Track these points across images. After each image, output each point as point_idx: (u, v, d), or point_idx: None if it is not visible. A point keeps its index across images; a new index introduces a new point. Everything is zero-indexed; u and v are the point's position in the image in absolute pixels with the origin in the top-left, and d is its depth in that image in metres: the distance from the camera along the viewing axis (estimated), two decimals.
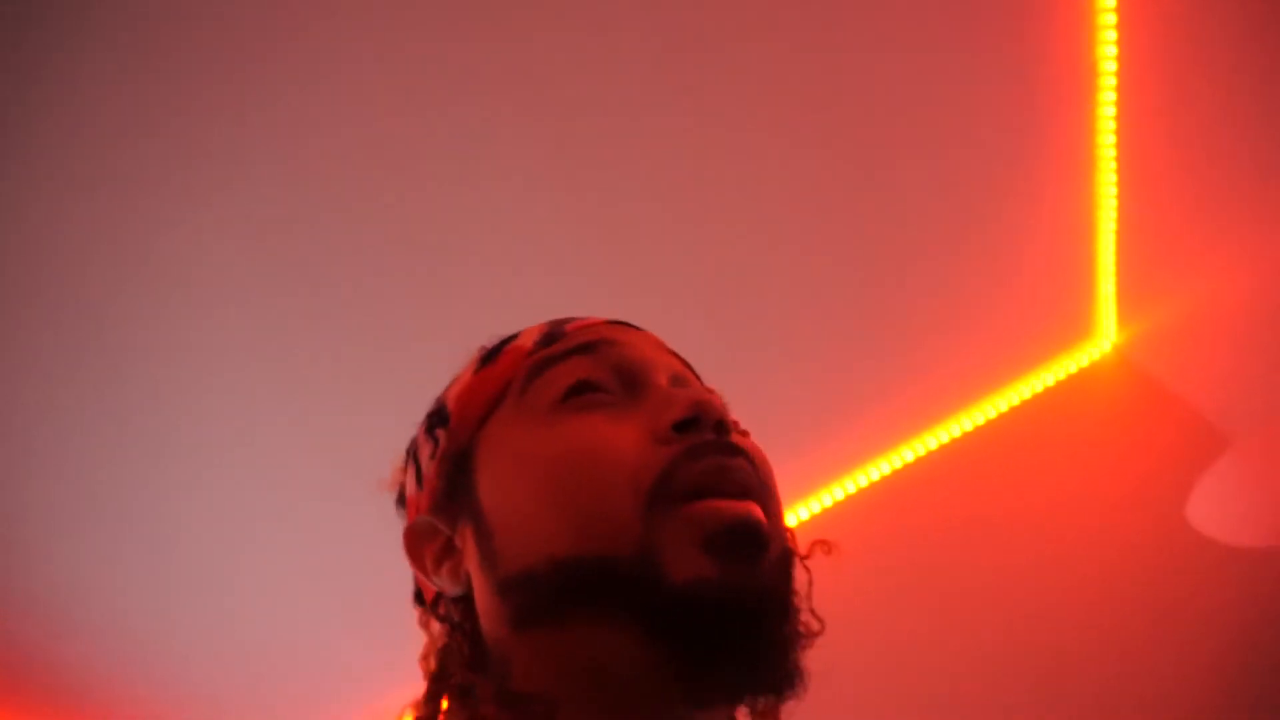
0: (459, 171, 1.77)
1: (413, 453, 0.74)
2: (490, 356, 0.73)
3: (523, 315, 1.86)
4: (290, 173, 1.70)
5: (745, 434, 0.74)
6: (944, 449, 2.28)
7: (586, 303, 1.84)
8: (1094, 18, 1.82)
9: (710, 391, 0.71)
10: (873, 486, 2.28)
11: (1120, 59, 1.84)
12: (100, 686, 2.16)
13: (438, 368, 1.76)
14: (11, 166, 1.58)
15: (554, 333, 0.71)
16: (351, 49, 1.62)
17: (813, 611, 0.72)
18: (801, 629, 0.69)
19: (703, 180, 1.88)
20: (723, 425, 0.63)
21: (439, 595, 0.70)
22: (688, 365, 0.74)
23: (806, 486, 2.29)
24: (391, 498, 0.79)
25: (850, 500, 2.27)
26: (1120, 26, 1.81)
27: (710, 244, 1.95)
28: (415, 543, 0.70)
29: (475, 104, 1.71)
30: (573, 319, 0.74)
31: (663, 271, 1.95)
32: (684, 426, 0.62)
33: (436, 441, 0.71)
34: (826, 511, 2.27)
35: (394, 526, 1.84)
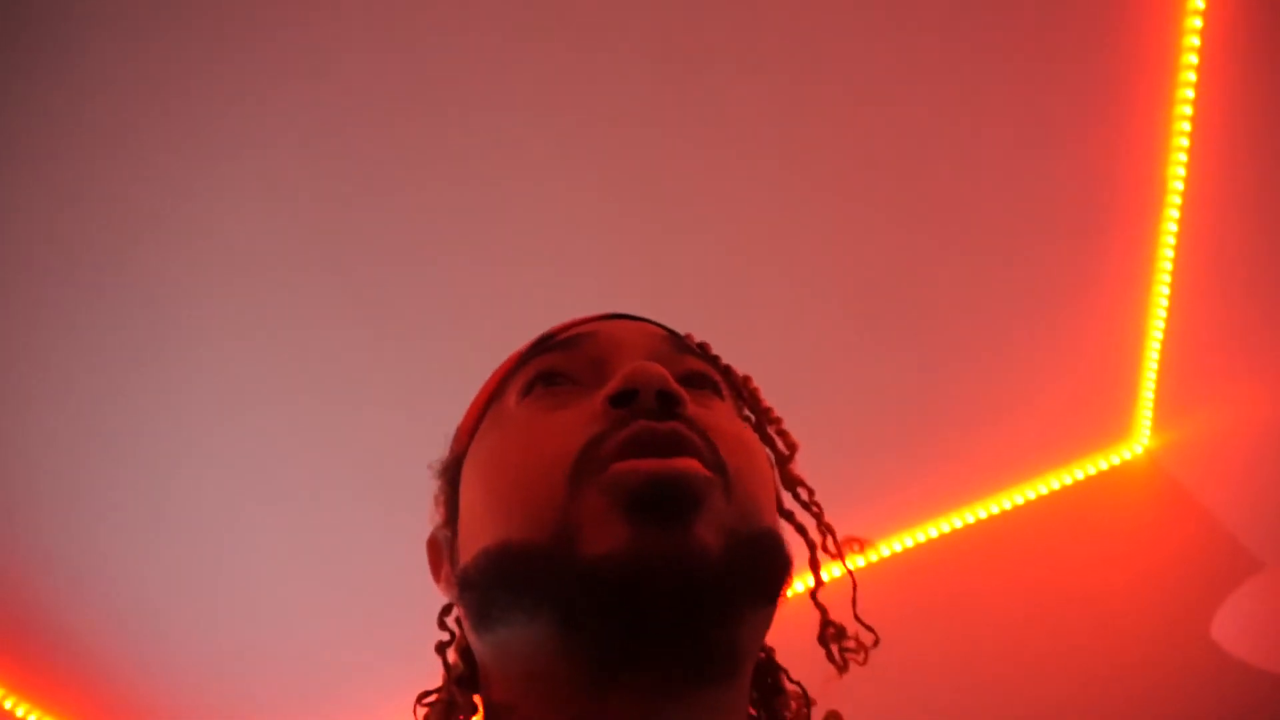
0: (476, 165, 1.76)
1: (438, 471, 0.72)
2: (497, 369, 0.70)
3: (534, 307, 1.89)
4: (306, 155, 1.70)
5: (775, 420, 0.70)
6: (967, 530, 2.31)
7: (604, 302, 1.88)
8: (1169, 110, 1.83)
9: (707, 363, 0.66)
10: (897, 557, 2.31)
11: (1189, 173, 1.87)
12: (108, 663, 2.17)
13: (448, 358, 1.81)
14: (23, 136, 1.59)
15: (544, 337, 0.67)
16: (369, 40, 1.63)
17: (860, 620, 0.68)
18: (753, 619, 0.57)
19: (740, 258, 1.91)
20: (667, 395, 0.55)
21: (449, 605, 0.68)
22: (687, 346, 0.67)
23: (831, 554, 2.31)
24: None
25: (873, 568, 2.30)
26: (1194, 125, 1.82)
27: (745, 310, 1.97)
28: (432, 556, 0.69)
29: (497, 101, 1.71)
30: (567, 321, 0.69)
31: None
32: (621, 400, 0.55)
33: (449, 453, 0.69)
34: (836, 581, 2.30)
35: (403, 512, 1.84)
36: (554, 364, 0.62)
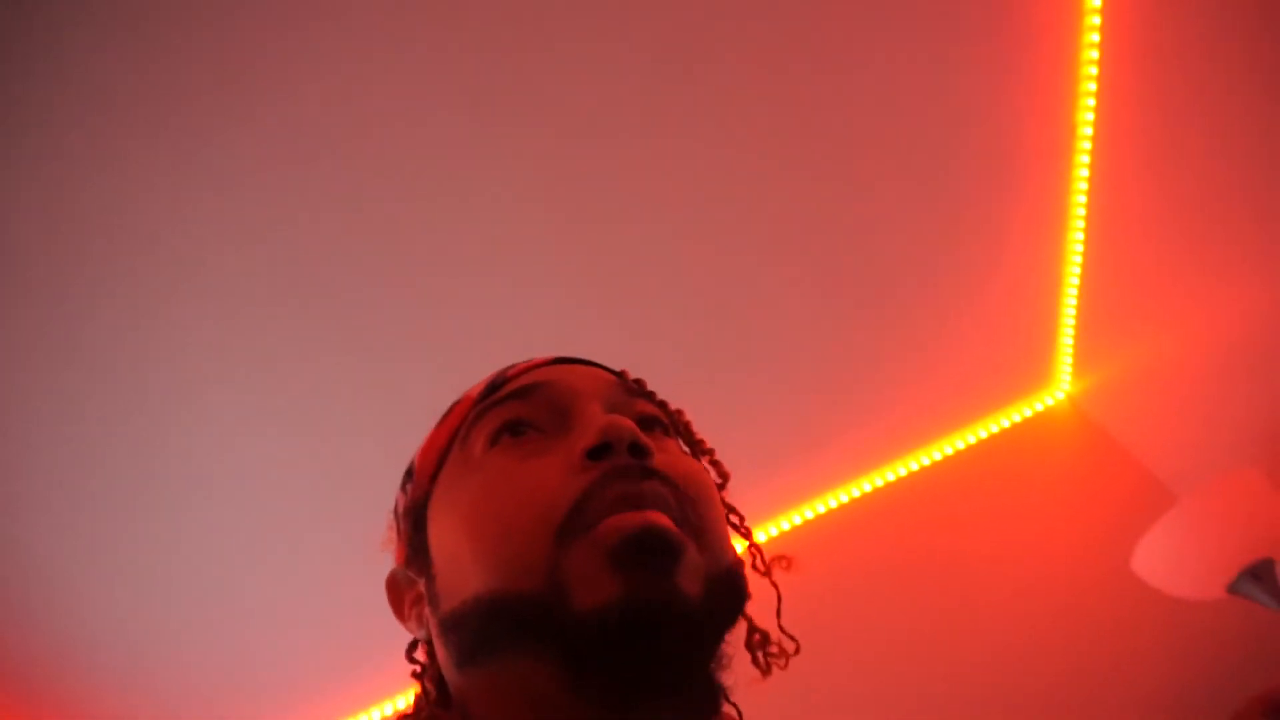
0: (460, 182, 1.77)
1: (395, 509, 0.78)
2: (447, 412, 0.75)
3: (514, 327, 1.89)
4: (291, 172, 1.69)
5: (703, 448, 0.77)
6: (891, 486, 2.33)
7: (575, 322, 1.90)
8: (1076, 64, 1.87)
9: (655, 406, 0.73)
10: (818, 519, 2.32)
11: (1098, 113, 1.90)
12: (83, 683, 2.12)
13: (431, 372, 1.79)
14: (12, 148, 1.56)
15: (497, 380, 0.73)
16: (356, 56, 1.63)
17: (783, 630, 0.75)
18: (756, 651, 0.72)
19: (684, 212, 1.91)
20: (638, 447, 0.62)
21: (415, 641, 0.73)
22: (637, 389, 0.74)
23: (754, 516, 2.32)
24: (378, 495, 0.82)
25: (795, 531, 2.31)
26: (1100, 77, 1.86)
27: (687, 272, 1.97)
28: (394, 592, 0.74)
29: (479, 117, 1.72)
30: (517, 364, 0.76)
31: (639, 297, 1.98)
32: (597, 453, 0.62)
33: (405, 495, 0.74)
34: (776, 538, 2.31)
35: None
36: (518, 413, 0.67)
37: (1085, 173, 1.99)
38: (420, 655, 0.72)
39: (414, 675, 0.72)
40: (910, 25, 1.78)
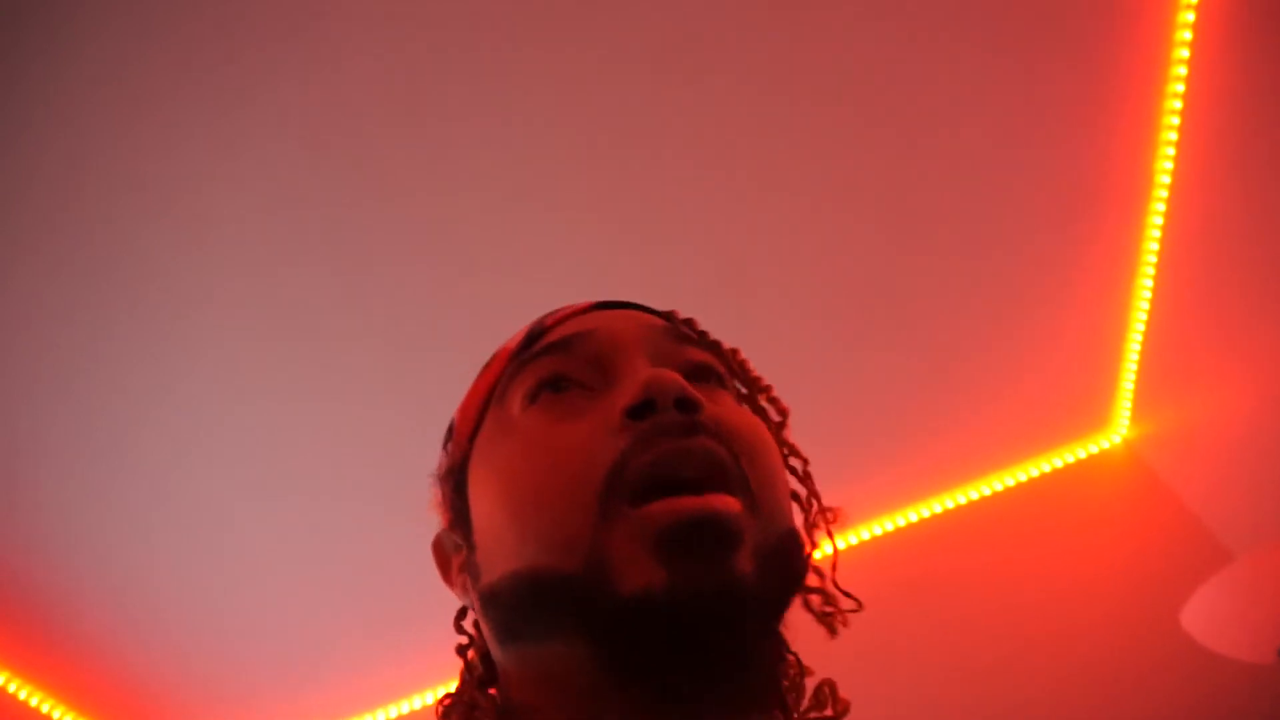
0: (473, 161, 1.77)
1: (438, 470, 0.71)
2: (488, 364, 0.69)
3: (528, 296, 1.90)
4: (308, 152, 1.71)
5: (765, 389, 0.70)
6: (944, 516, 2.34)
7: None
8: (1159, 110, 1.85)
9: (708, 351, 0.66)
10: (863, 545, 2.35)
11: (1176, 165, 1.89)
12: (107, 644, 2.18)
13: (441, 348, 1.83)
14: (29, 127, 1.59)
15: (535, 330, 0.66)
16: (372, 44, 1.64)
17: (840, 589, 0.67)
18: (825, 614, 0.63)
19: (748, 233, 1.92)
20: (686, 401, 0.55)
21: (464, 609, 0.68)
22: (685, 333, 0.66)
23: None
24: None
25: (851, 551, 2.33)
26: (1182, 126, 1.85)
27: (732, 298, 1.98)
28: (440, 556, 0.69)
29: (493, 99, 1.71)
30: (555, 311, 0.68)
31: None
32: (638, 411, 0.55)
33: (448, 456, 0.68)
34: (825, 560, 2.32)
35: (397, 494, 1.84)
36: (556, 368, 0.61)
37: (1160, 216, 1.97)
38: (469, 625, 0.67)
39: (459, 650, 0.66)
40: (994, 58, 1.77)
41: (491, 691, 0.62)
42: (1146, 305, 2.12)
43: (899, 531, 2.33)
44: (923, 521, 2.33)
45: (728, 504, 0.52)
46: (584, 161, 1.80)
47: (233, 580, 2.13)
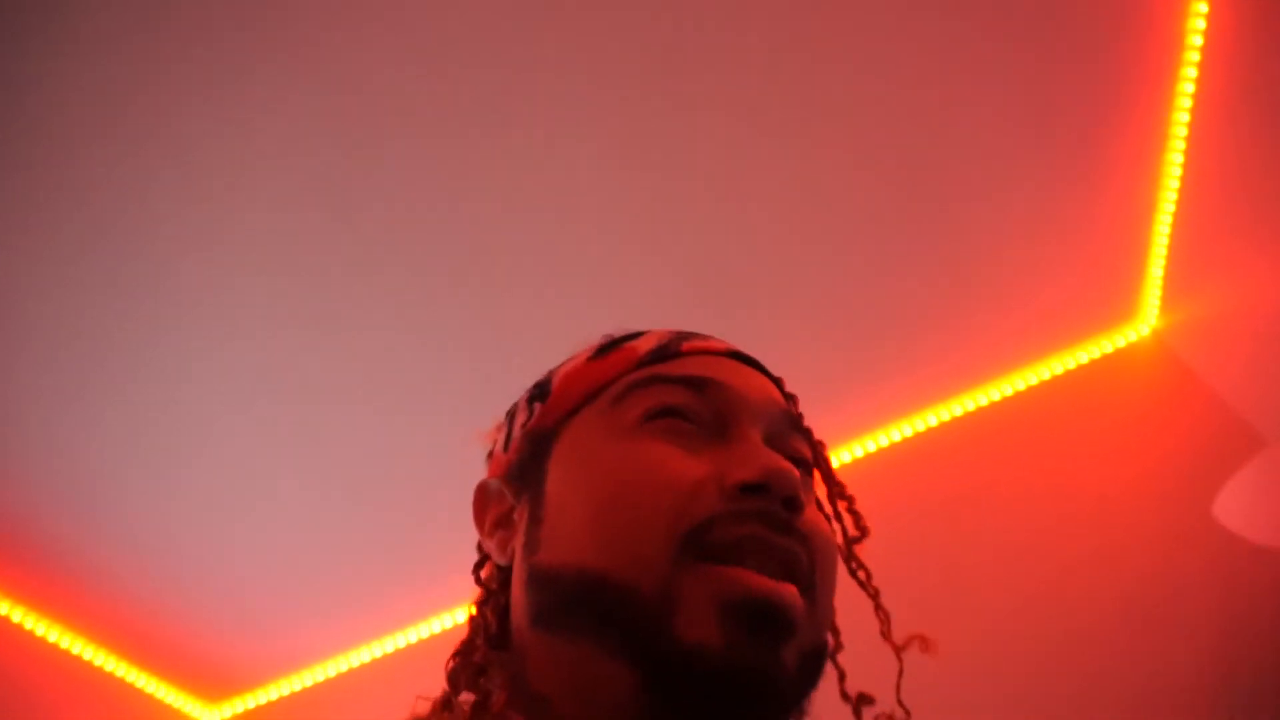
0: (482, 150, 1.78)
1: (511, 415, 0.74)
2: (606, 350, 0.71)
3: (560, 249, 1.88)
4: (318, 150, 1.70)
5: (848, 498, 0.74)
6: (966, 418, 2.29)
7: (609, 259, 1.88)
8: (1182, 5, 1.78)
9: (815, 447, 0.71)
10: (895, 447, 2.30)
11: (1205, 45, 1.80)
12: (110, 572, 2.20)
13: (464, 291, 1.79)
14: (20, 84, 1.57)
15: (670, 349, 0.70)
16: (385, 42, 1.63)
17: (901, 704, 0.70)
18: None
19: (773, 137, 1.87)
20: (793, 501, 0.60)
21: (486, 559, 0.71)
22: (796, 421, 0.71)
23: (832, 440, 2.31)
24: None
25: (867, 459, 2.29)
26: (1209, 16, 1.78)
27: (754, 192, 1.94)
28: (482, 501, 0.71)
29: (500, 96, 1.72)
30: (693, 337, 0.72)
31: (711, 203, 1.95)
32: (751, 490, 0.59)
33: (531, 413, 0.71)
34: (846, 467, 2.30)
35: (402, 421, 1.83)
36: (687, 402, 0.65)
37: (1189, 99, 1.89)
38: (489, 579, 0.70)
39: (476, 603, 0.69)
40: None
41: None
42: (1175, 189, 2.04)
43: (916, 438, 2.28)
44: (941, 426, 2.28)
45: (795, 597, 0.58)
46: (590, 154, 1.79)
47: (232, 504, 2.14)
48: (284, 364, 1.98)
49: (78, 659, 2.24)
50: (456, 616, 2.29)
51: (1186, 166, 1.99)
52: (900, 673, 0.71)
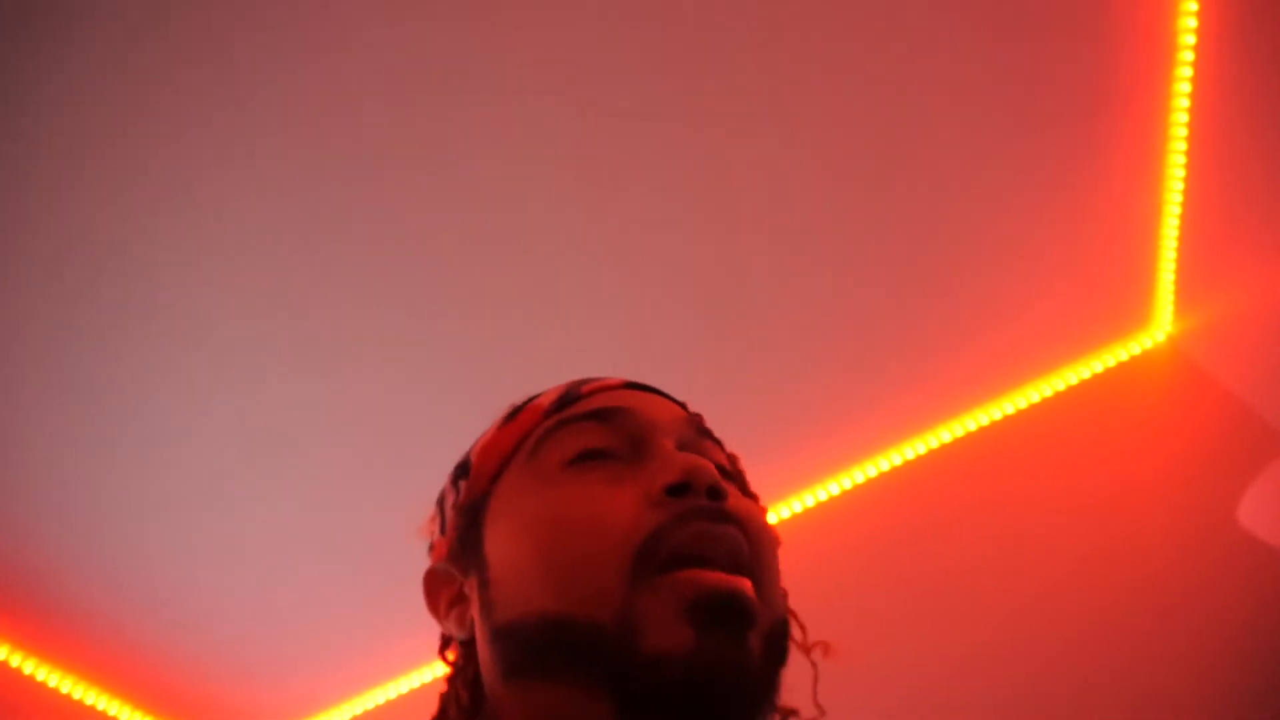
0: (474, 148, 1.76)
1: (440, 502, 0.77)
2: (513, 414, 0.75)
3: (531, 279, 1.87)
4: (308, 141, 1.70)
5: (754, 497, 0.75)
6: (982, 431, 2.26)
7: (598, 287, 1.87)
8: (1177, 2, 1.77)
9: (730, 458, 0.74)
10: (913, 463, 2.27)
11: (1199, 40, 1.79)
12: (89, 609, 2.19)
13: (438, 330, 1.79)
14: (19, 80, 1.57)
15: (571, 394, 0.73)
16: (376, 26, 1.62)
17: (815, 702, 0.72)
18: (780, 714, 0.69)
19: (760, 144, 1.86)
20: (716, 490, 0.63)
21: (449, 639, 0.73)
22: (705, 431, 0.74)
23: (852, 456, 2.29)
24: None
25: (893, 474, 2.26)
26: (1201, 12, 1.76)
27: (751, 209, 1.93)
28: (432, 587, 0.74)
29: (492, 85, 1.70)
30: (590, 380, 0.76)
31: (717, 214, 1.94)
32: (676, 490, 0.62)
33: (458, 492, 0.74)
34: (870, 482, 2.27)
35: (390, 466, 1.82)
36: (599, 440, 0.68)
37: (1186, 99, 1.87)
38: (454, 656, 0.72)
39: (446, 679, 0.72)
40: None
41: None
42: (1180, 191, 2.01)
43: (933, 453, 2.25)
44: (958, 441, 2.24)
45: (748, 587, 0.60)
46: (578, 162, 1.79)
47: (234, 550, 2.14)
48: (285, 411, 1.98)
49: (79, 704, 2.23)
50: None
51: (1189, 167, 1.97)
52: (815, 678, 0.72)
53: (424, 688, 2.38)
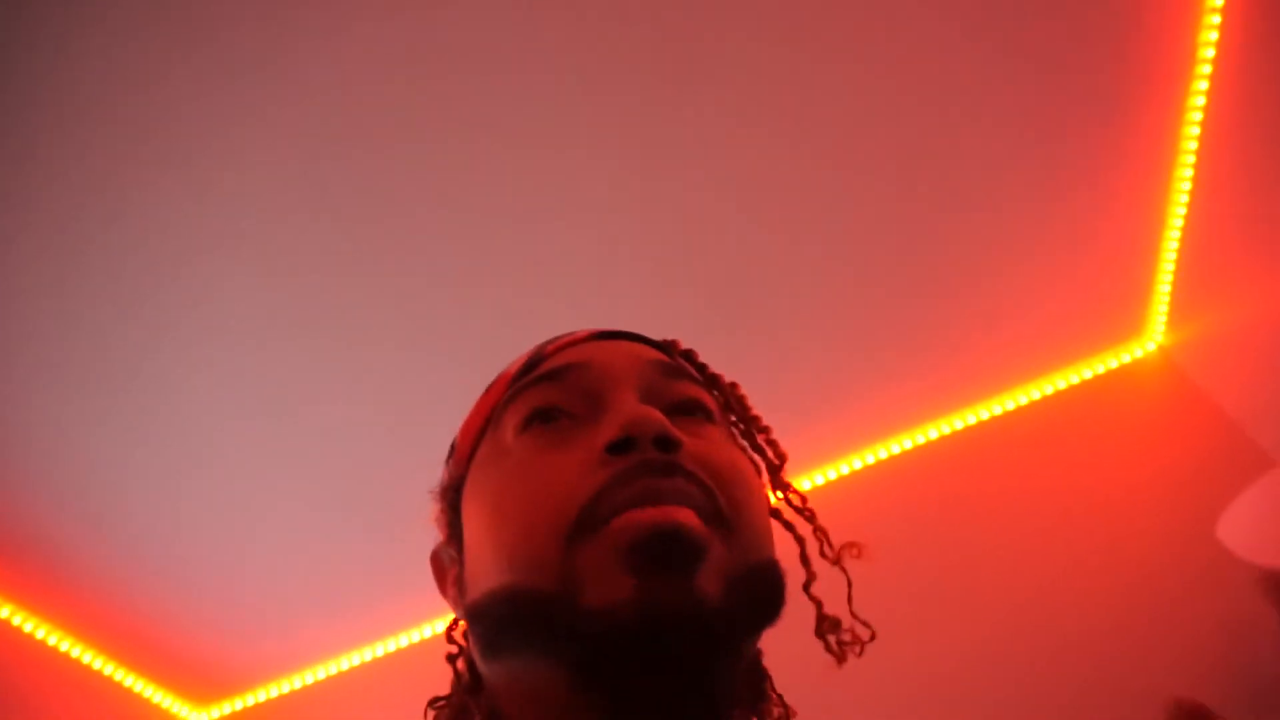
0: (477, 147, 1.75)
1: (440, 485, 0.76)
2: (488, 388, 0.73)
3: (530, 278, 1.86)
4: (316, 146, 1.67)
5: (754, 420, 0.73)
6: (970, 430, 2.27)
7: (602, 266, 1.87)
8: (1194, 14, 1.76)
9: (698, 385, 0.68)
10: (893, 459, 2.28)
11: (1217, 59, 1.78)
12: (79, 564, 2.18)
13: (440, 313, 1.78)
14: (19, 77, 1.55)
15: (534, 358, 0.70)
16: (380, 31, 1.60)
17: (855, 616, 0.71)
18: (755, 661, 0.67)
19: (770, 139, 1.84)
20: (665, 440, 0.58)
21: (455, 620, 0.72)
22: (677, 368, 0.69)
23: (836, 449, 2.29)
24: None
25: (877, 468, 2.28)
26: (1221, 26, 1.75)
27: (764, 213, 1.92)
28: (438, 568, 0.73)
29: (492, 84, 1.69)
30: (556, 339, 0.72)
31: (716, 210, 1.93)
32: (618, 447, 0.58)
33: (447, 473, 0.73)
34: (845, 479, 2.28)
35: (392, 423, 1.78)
36: (548, 399, 0.64)
37: (1199, 112, 1.86)
38: (459, 636, 0.71)
39: (449, 659, 0.71)
40: None
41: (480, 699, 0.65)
42: (1184, 204, 2.01)
43: (920, 449, 2.26)
44: (946, 438, 2.26)
45: (686, 515, 0.55)
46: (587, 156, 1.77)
47: (224, 507, 2.13)
48: (279, 370, 1.95)
49: (67, 658, 2.22)
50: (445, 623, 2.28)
51: (1196, 182, 1.96)
52: (849, 584, 0.70)
53: (412, 647, 2.39)
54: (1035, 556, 2.05)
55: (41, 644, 2.18)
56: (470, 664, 0.67)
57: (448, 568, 0.71)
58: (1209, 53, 1.78)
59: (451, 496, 0.69)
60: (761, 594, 0.59)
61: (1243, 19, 1.72)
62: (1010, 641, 1.93)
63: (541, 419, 0.64)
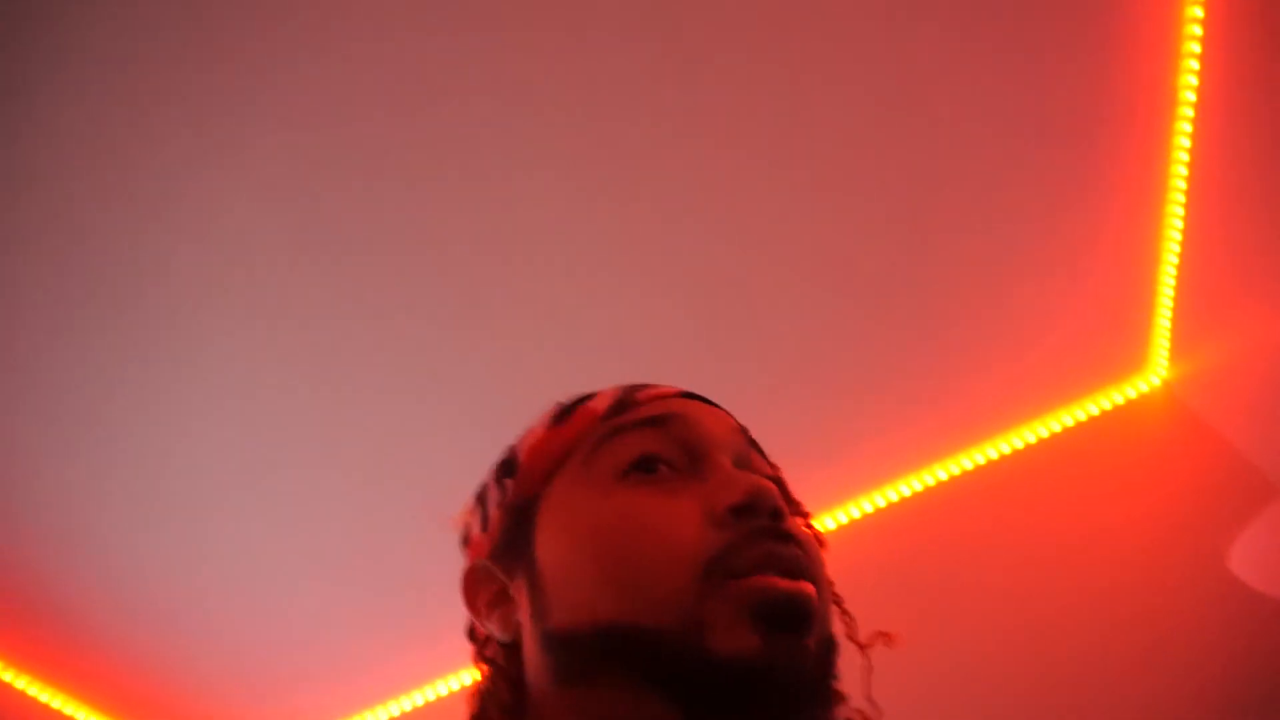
0: (477, 155, 1.75)
1: (481, 497, 0.77)
2: (563, 415, 0.74)
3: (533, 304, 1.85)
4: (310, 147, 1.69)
5: (805, 515, 0.75)
6: (974, 473, 2.24)
7: (607, 302, 1.87)
8: (1179, 29, 1.76)
9: (774, 468, 0.73)
10: (904, 502, 2.25)
11: (1200, 87, 1.79)
12: (104, 634, 2.17)
13: (450, 352, 1.78)
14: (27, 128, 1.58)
15: (626, 400, 0.73)
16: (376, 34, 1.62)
17: (870, 700, 0.72)
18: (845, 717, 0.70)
19: (755, 175, 1.85)
20: (778, 512, 0.64)
21: (488, 638, 0.72)
22: (753, 443, 0.74)
23: (843, 494, 2.27)
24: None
25: (881, 514, 2.25)
26: (1203, 56, 1.76)
27: (755, 249, 1.93)
28: (472, 585, 0.73)
29: (496, 92, 1.70)
30: (646, 387, 0.75)
31: (712, 271, 1.93)
32: (740, 511, 0.63)
33: (504, 490, 0.73)
34: (856, 523, 2.25)
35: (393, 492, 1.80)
36: (651, 446, 0.68)
37: (1187, 137, 1.86)
38: (495, 655, 0.71)
39: (484, 677, 0.71)
40: None
41: None
42: (1178, 238, 2.00)
43: (926, 492, 2.23)
44: (950, 480, 2.23)
45: (812, 590, 0.61)
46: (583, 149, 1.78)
47: (231, 573, 2.12)
48: (286, 424, 1.97)
49: None
50: (459, 680, 2.26)
51: (1188, 215, 1.96)
52: (869, 670, 0.73)
53: (429, 705, 2.35)
54: (1045, 597, 2.02)
55: (38, 704, 2.17)
56: (514, 686, 0.68)
57: (486, 584, 0.72)
58: (1191, 79, 1.79)
59: (519, 515, 0.71)
60: (834, 656, 0.65)
61: (1224, 55, 1.74)
62: (1018, 680, 1.89)
63: (647, 464, 0.67)
